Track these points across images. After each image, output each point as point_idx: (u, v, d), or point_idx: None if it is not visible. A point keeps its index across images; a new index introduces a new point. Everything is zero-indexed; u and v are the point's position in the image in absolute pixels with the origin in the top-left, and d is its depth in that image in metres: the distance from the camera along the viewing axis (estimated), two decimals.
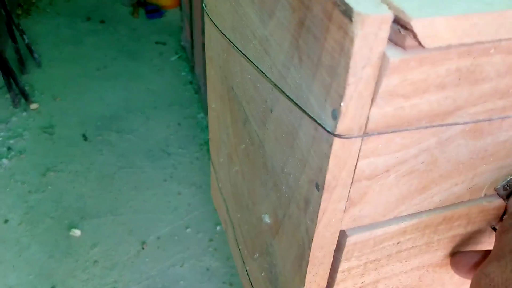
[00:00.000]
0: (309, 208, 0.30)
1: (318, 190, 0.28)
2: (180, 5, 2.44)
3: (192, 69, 2.34)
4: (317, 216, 0.29)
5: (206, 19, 0.48)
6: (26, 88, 2.18)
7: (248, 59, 0.36)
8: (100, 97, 2.25)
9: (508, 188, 0.34)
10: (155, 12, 2.78)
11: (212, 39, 0.48)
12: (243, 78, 0.40)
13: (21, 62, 2.23)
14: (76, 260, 1.71)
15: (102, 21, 2.76)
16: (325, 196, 0.28)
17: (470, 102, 0.26)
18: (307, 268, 0.33)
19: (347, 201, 0.29)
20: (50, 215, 1.85)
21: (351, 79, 0.22)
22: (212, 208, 1.85)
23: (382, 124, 0.25)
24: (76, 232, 1.84)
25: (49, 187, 1.94)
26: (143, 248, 1.77)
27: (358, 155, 0.26)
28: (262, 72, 0.33)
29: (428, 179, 0.30)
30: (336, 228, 0.30)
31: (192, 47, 2.17)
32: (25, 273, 1.66)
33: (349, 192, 0.28)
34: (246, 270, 0.52)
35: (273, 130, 0.35)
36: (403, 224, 0.32)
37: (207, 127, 2.08)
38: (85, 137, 2.09)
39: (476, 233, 0.36)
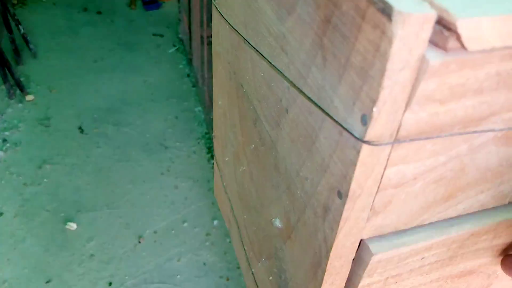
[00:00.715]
0: (328, 216, 0.29)
1: (341, 198, 0.26)
2: None
3: (189, 61, 2.31)
4: (338, 225, 0.27)
5: (215, 13, 0.46)
6: (22, 79, 2.15)
7: (263, 56, 0.34)
8: (96, 89, 2.22)
9: None
10: (153, 3, 2.74)
11: (220, 34, 0.46)
12: (255, 76, 0.38)
13: (17, 53, 2.20)
14: (72, 253, 1.70)
15: (99, 12, 2.72)
16: (348, 205, 0.26)
17: (506, 108, 0.25)
18: (323, 278, 0.31)
19: (370, 210, 0.27)
20: (46, 208, 1.83)
21: (386, 83, 0.20)
22: (209, 202, 1.84)
23: (414, 131, 0.23)
24: (72, 226, 1.82)
25: (45, 180, 1.91)
26: (139, 242, 1.75)
27: (387, 163, 0.25)
28: (278, 70, 0.32)
29: (455, 186, 0.29)
30: (356, 238, 0.29)
31: (190, 39, 2.15)
32: (20, 267, 1.64)
33: (373, 200, 0.27)
34: (252, 272, 0.50)
35: (288, 131, 0.33)
36: (430, 241, 0.30)
37: (204, 120, 2.06)
38: (81, 130, 2.06)
39: (501, 245, 0.35)
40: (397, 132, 0.23)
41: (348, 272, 0.31)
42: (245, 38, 0.38)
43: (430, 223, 0.31)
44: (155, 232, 1.78)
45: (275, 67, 0.32)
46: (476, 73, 0.22)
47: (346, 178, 0.25)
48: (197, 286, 1.71)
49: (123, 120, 2.09)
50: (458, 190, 0.29)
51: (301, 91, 0.29)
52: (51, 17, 2.61)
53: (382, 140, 0.23)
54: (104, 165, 1.94)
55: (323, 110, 0.26)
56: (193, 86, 2.25)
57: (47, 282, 1.61)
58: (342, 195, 0.26)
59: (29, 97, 2.11)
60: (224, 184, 0.57)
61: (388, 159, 0.24)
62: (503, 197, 0.32)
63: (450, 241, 0.31)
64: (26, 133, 2.00)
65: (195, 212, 1.83)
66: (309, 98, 0.28)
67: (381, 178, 0.25)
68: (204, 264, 1.69)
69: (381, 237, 0.29)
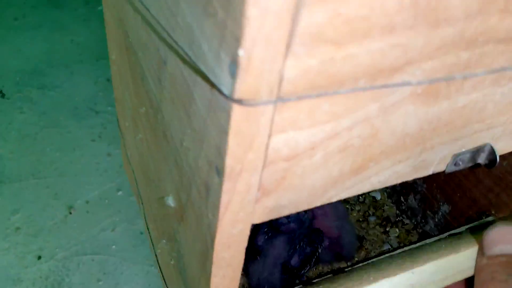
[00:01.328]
0: (209, 197, 0.22)
1: (219, 176, 0.20)
2: None
3: None
4: (219, 210, 0.21)
5: None
6: None
7: None
8: (18, 50, 2.03)
9: (460, 163, 0.28)
10: None
11: None
12: (136, 20, 0.30)
13: None
14: None
15: None
16: (226, 185, 0.20)
17: (426, 54, 0.19)
18: (211, 270, 0.25)
19: (258, 189, 0.21)
20: None
21: (251, 11, 0.14)
22: None
23: (303, 85, 0.17)
24: None
25: None
26: (70, 213, 1.64)
27: (271, 129, 0.18)
28: (144, 6, 0.24)
29: (366, 156, 0.23)
30: (245, 224, 0.23)
31: None
32: None
33: (260, 178, 0.20)
34: (156, 254, 0.44)
35: (169, 89, 0.26)
36: None
37: None
38: (2, 94, 1.89)
39: None
40: (279, 86, 0.17)
41: (241, 263, 0.26)
42: None
43: None
44: (87, 202, 1.67)
45: (142, 3, 0.25)
46: (383, 0, 0.16)
47: (220, 151, 0.19)
48: (134, 256, 1.64)
49: (49, 83, 1.93)
50: (370, 161, 0.23)
51: (168, 34, 0.22)
52: None
53: (259, 97, 0.16)
54: (28, 132, 1.80)
55: (189, 59, 0.20)
56: None
57: None
58: (220, 172, 0.20)
59: None
60: (128, 154, 0.50)
61: (272, 124, 0.18)
62: (426, 167, 0.27)
63: None
64: None
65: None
66: (174, 43, 0.21)
67: (267, 149, 0.19)
68: (141, 233, 1.62)
69: None
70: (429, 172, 0.27)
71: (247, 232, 0.23)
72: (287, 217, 0.55)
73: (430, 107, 0.22)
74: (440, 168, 0.27)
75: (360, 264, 0.38)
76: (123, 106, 0.46)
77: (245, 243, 0.24)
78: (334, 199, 0.25)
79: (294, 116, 0.18)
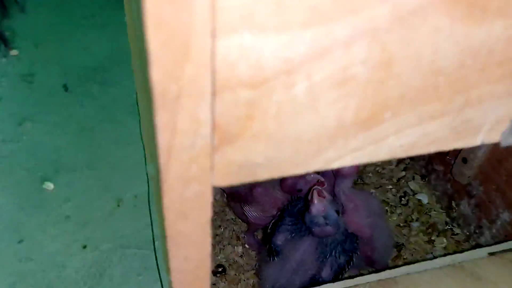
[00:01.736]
0: (154, 145, 0.17)
1: (151, 104, 0.14)
2: None
3: None
4: (159, 157, 0.15)
5: None
6: (7, 33, 2.06)
7: None
8: (84, 47, 2.12)
9: None
10: None
11: None
12: None
13: (3, 5, 2.10)
14: (47, 214, 1.62)
15: None
16: (161, 116, 0.14)
17: None
18: (167, 249, 0.19)
19: (213, 129, 0.15)
20: (23, 166, 1.75)
21: None
22: None
23: None
24: (49, 186, 1.75)
25: (24, 137, 1.84)
26: (118, 206, 1.66)
27: (213, 22, 0.12)
28: None
29: (378, 100, 0.16)
30: (203, 184, 0.17)
31: None
32: None
33: (212, 110, 0.14)
34: (154, 245, 0.39)
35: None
36: None
37: None
38: (65, 88, 1.97)
39: None
40: None
41: (209, 243, 0.19)
42: None
43: None
44: (135, 196, 1.68)
45: None
46: None
47: (146, 59, 0.13)
48: None
49: (110, 79, 1.99)
50: (386, 109, 0.16)
51: None
52: None
53: None
54: (87, 125, 1.85)
55: None
56: None
57: (20, 242, 1.54)
58: (149, 95, 0.14)
59: (14, 52, 2.03)
60: (141, 128, 0.45)
61: (213, 10, 0.12)
62: (471, 133, 0.19)
63: None
64: (8, 89, 1.92)
65: None
66: None
67: (213, 61, 0.13)
68: None
69: None
70: (477, 141, 0.20)
71: (208, 198, 0.17)
72: (325, 217, 0.45)
73: (475, 27, 0.15)
74: (493, 137, 0.20)
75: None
76: (137, 76, 0.42)
77: (208, 214, 0.18)
78: (335, 164, 0.18)
79: (248, 3, 0.12)
